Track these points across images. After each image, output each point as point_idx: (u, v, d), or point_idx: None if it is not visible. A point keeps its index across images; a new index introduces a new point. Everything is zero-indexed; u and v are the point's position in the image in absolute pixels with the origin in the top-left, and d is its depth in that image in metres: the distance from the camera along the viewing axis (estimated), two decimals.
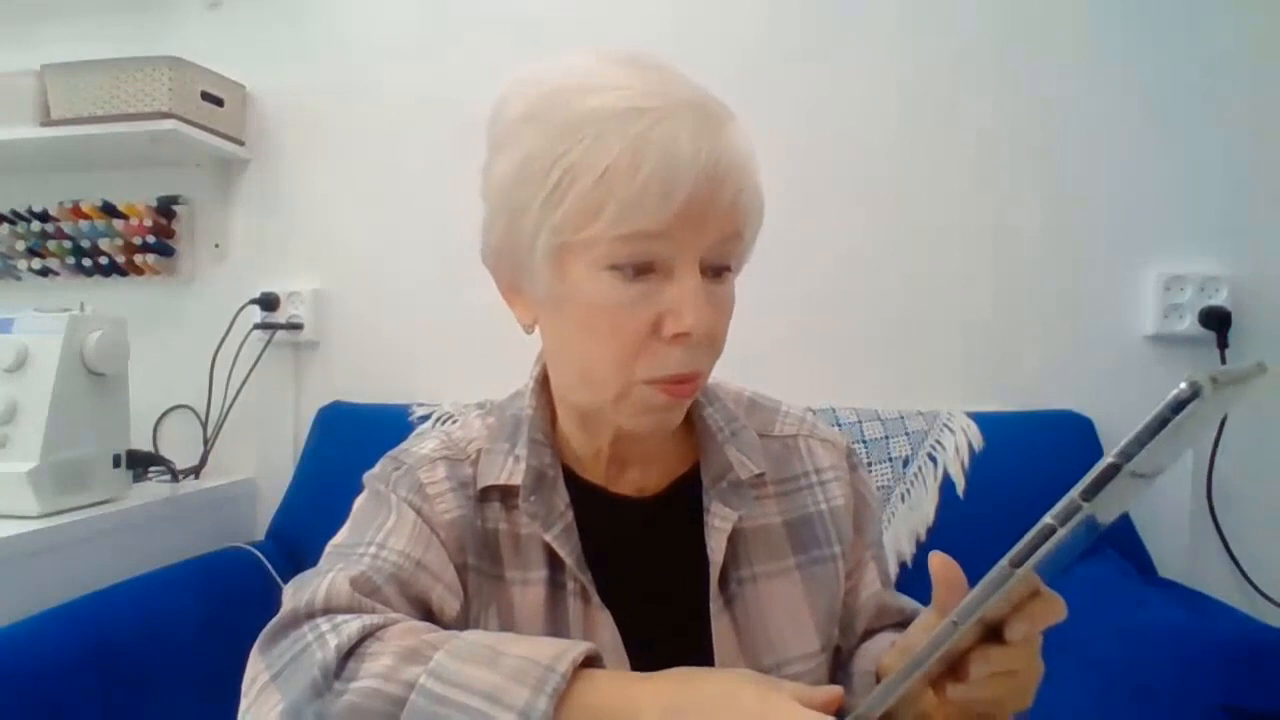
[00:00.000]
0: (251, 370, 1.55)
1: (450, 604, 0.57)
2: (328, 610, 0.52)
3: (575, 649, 0.48)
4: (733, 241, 0.55)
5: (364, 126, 1.55)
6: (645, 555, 0.62)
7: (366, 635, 0.49)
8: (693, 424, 0.65)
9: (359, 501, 0.63)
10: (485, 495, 0.62)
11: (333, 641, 0.48)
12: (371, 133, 1.55)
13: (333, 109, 1.57)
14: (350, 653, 0.48)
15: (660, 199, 0.51)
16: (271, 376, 1.57)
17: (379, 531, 0.58)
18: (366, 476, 0.64)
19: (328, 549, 0.60)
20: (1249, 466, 1.24)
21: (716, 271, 0.56)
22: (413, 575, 0.56)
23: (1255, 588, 1.21)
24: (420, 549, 0.58)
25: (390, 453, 0.65)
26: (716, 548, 0.61)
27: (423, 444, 0.65)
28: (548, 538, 0.60)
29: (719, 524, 0.62)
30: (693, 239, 0.53)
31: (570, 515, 0.62)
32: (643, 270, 0.53)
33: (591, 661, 0.48)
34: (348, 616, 0.51)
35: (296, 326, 1.55)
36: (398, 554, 0.57)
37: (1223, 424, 1.20)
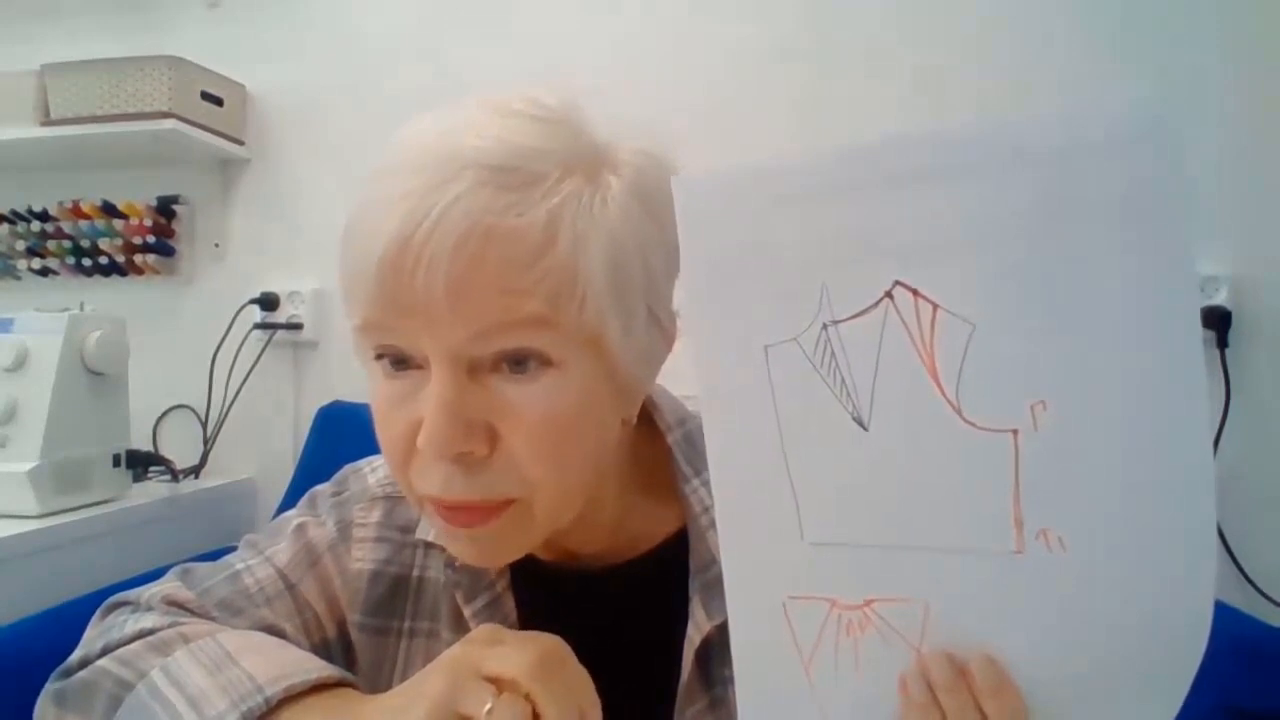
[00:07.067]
0: (251, 370, 1.55)
1: (298, 641, 0.54)
2: (149, 607, 0.54)
3: (308, 674, 0.45)
4: (509, 330, 0.42)
5: (364, 126, 1.54)
6: (605, 640, 0.47)
7: (157, 629, 0.50)
8: (676, 492, 0.55)
9: (295, 510, 0.61)
10: (429, 542, 0.57)
11: (118, 631, 0.51)
12: (372, 132, 1.54)
13: (333, 109, 1.56)
14: (123, 641, 0.50)
15: (361, 280, 0.42)
16: (271, 376, 1.57)
17: (274, 545, 0.58)
18: (313, 490, 0.62)
19: (245, 539, 0.61)
20: (1248, 465, 1.23)
21: (516, 363, 0.43)
22: (275, 596, 0.56)
23: (1255, 587, 1.21)
24: (299, 574, 0.57)
25: (348, 467, 0.63)
26: (685, 662, 0.52)
27: (377, 469, 0.61)
28: (466, 611, 0.54)
29: (691, 632, 0.52)
30: (426, 329, 0.42)
31: (502, 585, 0.55)
32: (402, 363, 0.45)
33: (351, 685, 0.46)
34: (150, 613, 0.53)
35: (296, 326, 1.55)
36: (274, 571, 0.57)
37: (1222, 423, 1.20)
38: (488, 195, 0.41)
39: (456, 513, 0.45)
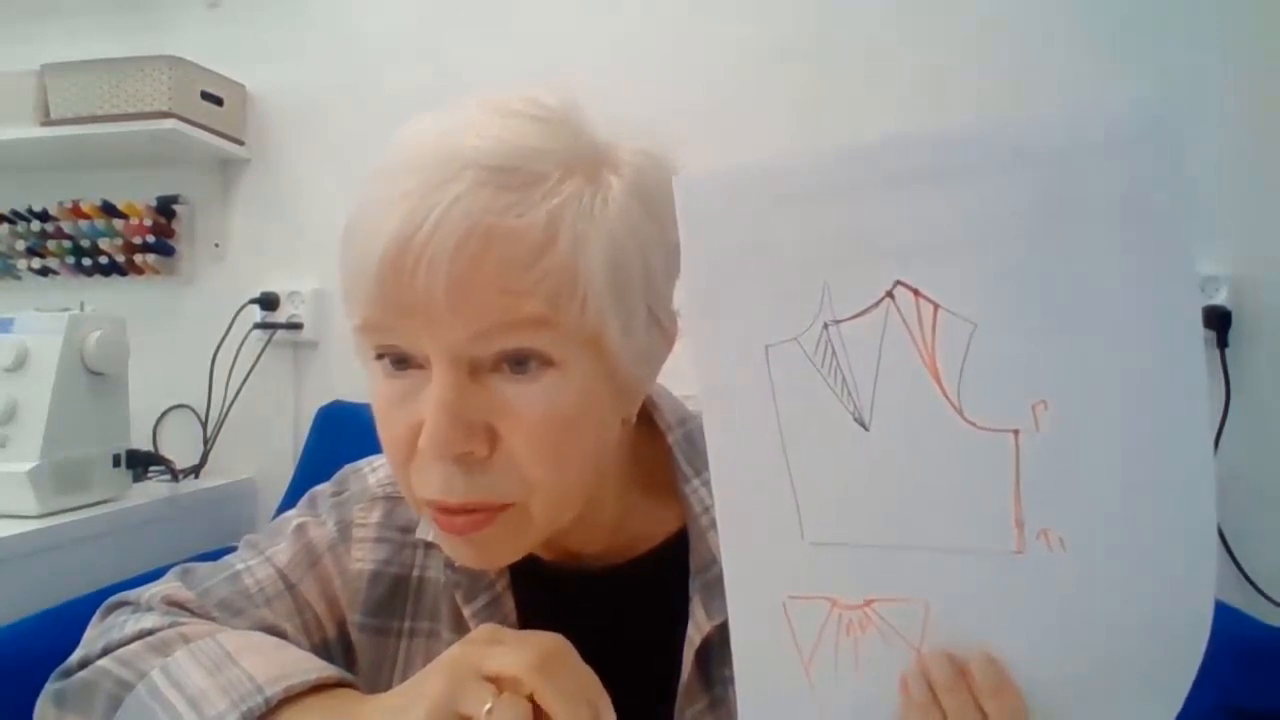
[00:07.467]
0: (251, 370, 1.55)
1: (298, 641, 0.54)
2: (149, 607, 0.54)
3: (307, 674, 0.45)
4: (510, 330, 0.42)
5: (364, 126, 1.54)
6: (605, 640, 0.46)
7: (157, 629, 0.51)
8: (676, 492, 0.55)
9: (295, 510, 0.61)
10: (429, 543, 0.57)
11: (118, 631, 0.51)
12: (371, 132, 1.54)
13: (333, 109, 1.56)
14: (123, 641, 0.50)
15: (361, 280, 0.42)
16: (271, 376, 1.57)
17: (274, 545, 0.58)
18: (313, 490, 0.62)
19: (245, 539, 0.61)
20: (1248, 465, 1.23)
21: (516, 363, 0.43)
22: (275, 596, 0.56)
23: (1255, 587, 1.21)
24: (299, 574, 0.57)
25: (348, 467, 0.63)
26: (685, 662, 0.52)
27: (377, 469, 0.61)
28: (466, 612, 0.54)
29: (691, 632, 0.52)
30: (427, 330, 0.42)
31: (502, 586, 0.55)
32: (403, 363, 0.45)
33: (351, 685, 0.47)
34: (150, 613, 0.53)
35: (296, 326, 1.55)
36: (274, 571, 0.57)
37: (1222, 423, 1.20)
38: (488, 195, 0.41)
39: (452, 518, 0.45)
